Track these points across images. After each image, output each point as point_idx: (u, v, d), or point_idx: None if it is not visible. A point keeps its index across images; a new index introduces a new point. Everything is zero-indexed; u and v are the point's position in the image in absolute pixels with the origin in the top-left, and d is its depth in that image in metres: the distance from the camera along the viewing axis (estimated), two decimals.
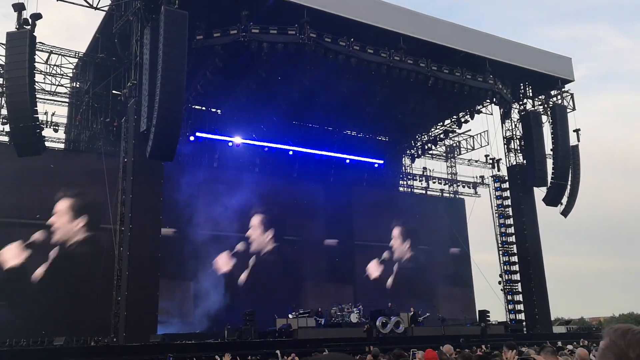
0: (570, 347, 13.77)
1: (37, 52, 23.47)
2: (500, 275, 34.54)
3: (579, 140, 33.65)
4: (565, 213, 33.53)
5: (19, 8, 21.40)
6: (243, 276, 30.39)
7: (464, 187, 41.25)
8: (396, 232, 37.13)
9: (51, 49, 27.24)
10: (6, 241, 25.56)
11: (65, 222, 26.92)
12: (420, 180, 40.43)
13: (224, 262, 29.85)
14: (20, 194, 26.12)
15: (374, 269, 35.85)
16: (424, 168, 40.47)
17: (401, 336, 24.94)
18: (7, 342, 21.09)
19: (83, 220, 27.07)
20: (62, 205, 26.98)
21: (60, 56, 27.79)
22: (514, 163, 34.53)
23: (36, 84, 23.66)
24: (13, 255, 25.66)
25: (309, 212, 33.53)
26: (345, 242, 35.14)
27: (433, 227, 38.22)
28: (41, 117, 24.41)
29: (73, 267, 26.04)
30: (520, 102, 34.89)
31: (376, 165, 37.74)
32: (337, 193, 35.08)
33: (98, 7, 25.52)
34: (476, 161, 40.34)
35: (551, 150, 32.88)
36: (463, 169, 41.58)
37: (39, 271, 25.68)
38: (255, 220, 31.72)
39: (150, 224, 22.44)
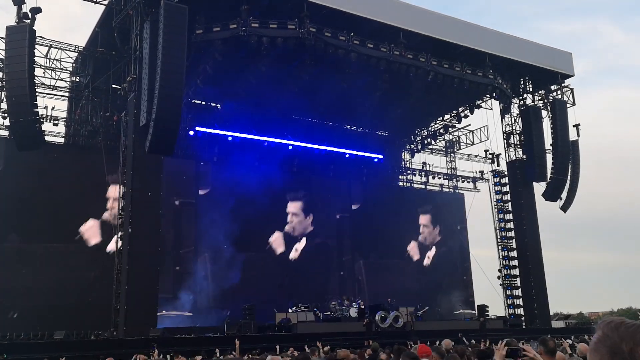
0: (569, 341, 13.79)
1: (36, 46, 23.46)
2: (500, 270, 34.59)
3: (578, 135, 33.68)
4: (564, 208, 33.57)
5: (18, 2, 21.42)
6: (244, 273, 30.49)
7: (463, 182, 41.29)
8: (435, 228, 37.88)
9: (51, 43, 27.20)
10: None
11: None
12: (419, 175, 40.45)
13: (221, 259, 29.93)
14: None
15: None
16: (424, 163, 40.51)
17: (400, 330, 25.01)
18: (7, 336, 21.15)
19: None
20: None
21: (60, 50, 27.75)
22: (514, 158, 34.52)
23: (36, 78, 23.65)
24: None
25: (308, 207, 33.56)
26: (345, 239, 35.28)
27: (433, 222, 38.42)
28: (41, 111, 24.42)
29: (73, 261, 26.15)
30: (520, 97, 34.86)
31: (376, 160, 37.73)
32: (337, 187, 35.19)
33: (97, 1, 25.50)
34: (476, 156, 40.37)
35: (551, 145, 32.87)
36: (462, 164, 41.63)
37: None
38: (255, 216, 31.79)
39: (150, 218, 22.49)
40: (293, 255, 32.64)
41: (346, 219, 35.87)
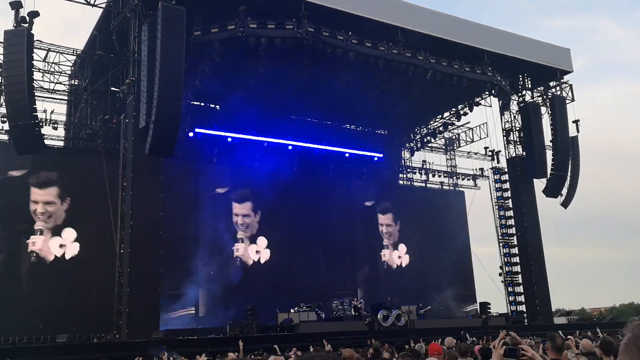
0: (571, 337, 13.79)
1: (35, 50, 23.47)
2: (501, 267, 34.59)
3: (578, 131, 33.70)
4: (565, 204, 33.58)
5: (16, 6, 21.40)
6: (245, 273, 30.51)
7: (463, 179, 41.29)
8: (396, 225, 37.43)
9: (49, 47, 27.20)
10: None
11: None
12: (420, 173, 40.46)
13: (224, 262, 29.97)
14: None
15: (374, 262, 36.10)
16: (424, 161, 40.48)
17: (402, 329, 25.02)
18: (10, 340, 21.16)
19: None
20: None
21: (58, 54, 27.75)
22: (514, 155, 34.54)
23: (35, 81, 23.64)
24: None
25: (309, 207, 33.52)
26: (346, 237, 35.26)
27: (433, 220, 38.42)
28: (40, 115, 24.39)
29: (75, 264, 26.16)
30: (519, 94, 34.88)
31: (375, 159, 37.73)
32: (337, 187, 35.18)
33: (95, 4, 25.49)
34: (475, 153, 40.36)
35: (550, 141, 32.90)
36: (462, 162, 41.65)
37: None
38: (255, 217, 31.79)
39: (150, 220, 22.48)
40: (256, 257, 31.56)
41: (347, 217, 35.80)
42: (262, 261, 31.63)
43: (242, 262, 31.09)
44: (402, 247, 37.26)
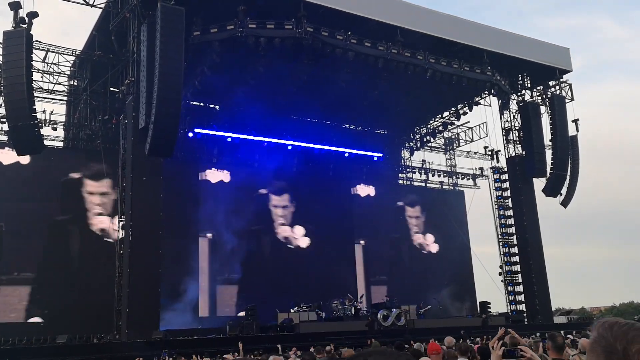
0: (570, 337, 13.81)
1: (34, 51, 23.44)
2: (501, 267, 34.56)
3: (577, 131, 33.68)
4: (564, 203, 33.57)
5: (15, 7, 21.37)
6: (245, 273, 30.50)
7: (463, 179, 41.30)
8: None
9: (48, 47, 27.19)
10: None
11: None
12: (419, 173, 40.47)
13: (223, 259, 29.94)
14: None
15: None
16: (423, 161, 40.51)
17: (402, 328, 25.03)
18: (10, 341, 21.14)
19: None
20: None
21: (57, 54, 27.74)
22: (513, 154, 34.52)
23: (34, 82, 23.62)
24: None
25: (309, 207, 33.54)
26: (345, 237, 35.26)
27: (433, 220, 38.47)
28: (39, 115, 24.39)
29: (75, 264, 26.17)
30: (519, 93, 34.87)
31: (375, 159, 37.78)
32: (337, 187, 35.18)
33: (94, 4, 25.48)
34: (475, 153, 40.38)
35: (550, 140, 32.88)
36: (462, 161, 41.67)
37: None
38: (256, 217, 31.78)
39: (150, 220, 22.47)
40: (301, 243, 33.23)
41: (347, 217, 35.80)
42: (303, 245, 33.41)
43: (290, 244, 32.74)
44: (430, 237, 38.65)
